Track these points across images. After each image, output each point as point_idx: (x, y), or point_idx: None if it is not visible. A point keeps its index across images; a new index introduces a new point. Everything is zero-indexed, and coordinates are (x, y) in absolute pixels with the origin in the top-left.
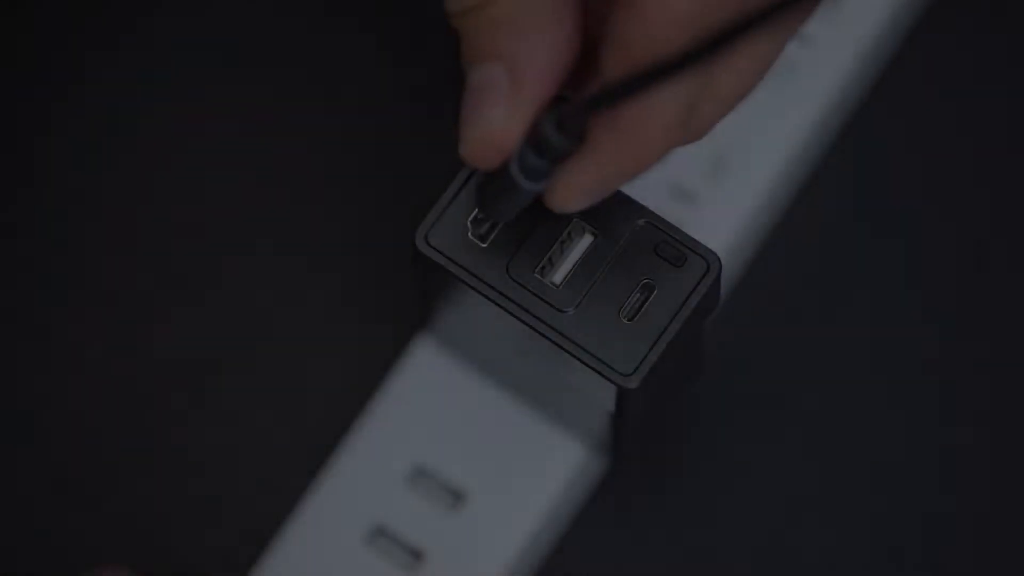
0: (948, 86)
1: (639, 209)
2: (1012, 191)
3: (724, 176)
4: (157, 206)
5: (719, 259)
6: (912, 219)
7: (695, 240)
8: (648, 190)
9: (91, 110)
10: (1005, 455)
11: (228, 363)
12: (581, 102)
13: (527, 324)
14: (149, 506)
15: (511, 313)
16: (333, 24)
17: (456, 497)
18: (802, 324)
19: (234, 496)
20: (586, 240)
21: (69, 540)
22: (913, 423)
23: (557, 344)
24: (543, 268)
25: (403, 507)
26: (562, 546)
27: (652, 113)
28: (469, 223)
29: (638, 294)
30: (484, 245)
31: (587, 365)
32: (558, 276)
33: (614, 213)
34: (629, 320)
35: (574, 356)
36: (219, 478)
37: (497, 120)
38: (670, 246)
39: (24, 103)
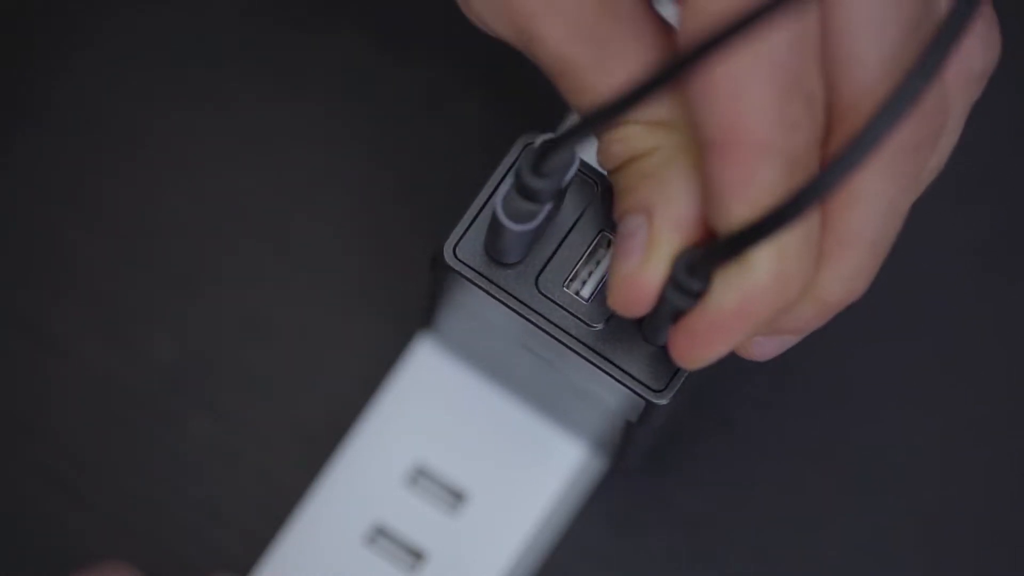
0: None
1: None
2: (1014, 190)
3: None
4: (157, 205)
5: None
6: (912, 218)
7: None
8: None
9: (91, 109)
10: (1008, 456)
11: (228, 363)
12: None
13: (556, 339)
14: (149, 506)
15: (539, 327)
16: (340, 21)
17: (456, 497)
18: None
19: (234, 496)
20: None
21: (69, 540)
22: (915, 424)
23: (586, 359)
24: (571, 282)
25: (403, 507)
26: (562, 546)
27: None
28: None
29: None
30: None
31: (617, 381)
32: (587, 290)
33: None
34: None
35: (604, 372)
36: (219, 478)
37: (632, 269)
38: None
39: (22, 101)
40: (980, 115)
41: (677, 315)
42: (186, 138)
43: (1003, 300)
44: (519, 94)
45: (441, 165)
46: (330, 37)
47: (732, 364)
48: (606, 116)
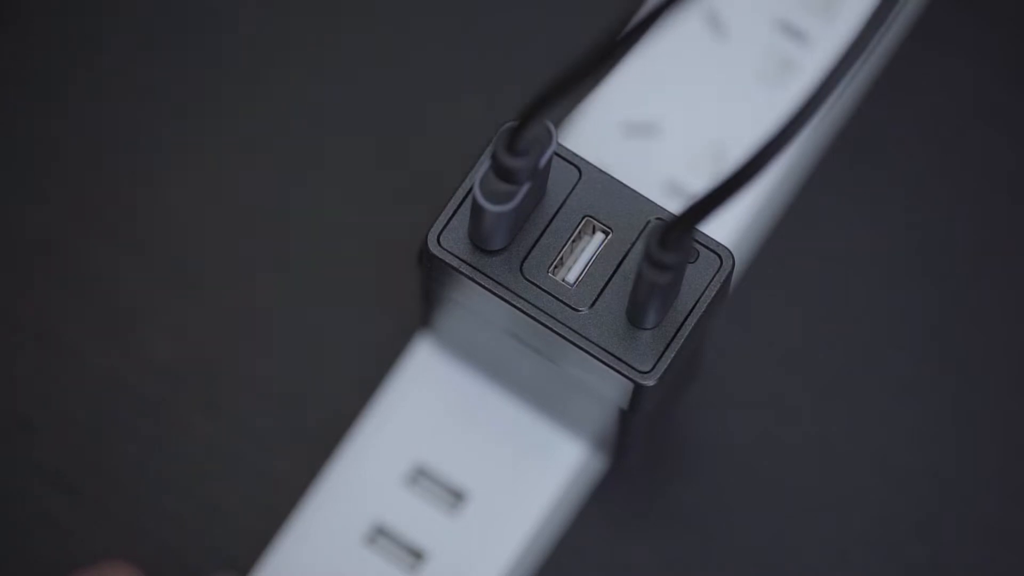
0: (948, 85)
1: (650, 206)
2: (1014, 191)
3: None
4: (156, 204)
5: (732, 254)
6: (913, 218)
7: (707, 235)
8: (650, 189)
9: (90, 108)
10: (1011, 457)
11: (228, 363)
12: None
13: (542, 324)
14: (149, 506)
15: (525, 313)
16: (341, 18)
17: (456, 497)
18: (802, 323)
19: (234, 496)
20: (598, 238)
21: (69, 540)
22: (916, 423)
23: (573, 343)
24: (556, 267)
25: (403, 507)
26: (562, 546)
27: None
28: None
29: None
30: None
31: (604, 364)
32: (572, 275)
33: (625, 210)
34: None
35: (591, 355)
36: (219, 478)
37: None
38: None
39: (22, 100)
40: (981, 114)
41: (658, 293)
42: (186, 137)
43: (1006, 300)
44: (527, 91)
45: (444, 164)
46: (331, 35)
47: (731, 361)
48: (569, 85)
